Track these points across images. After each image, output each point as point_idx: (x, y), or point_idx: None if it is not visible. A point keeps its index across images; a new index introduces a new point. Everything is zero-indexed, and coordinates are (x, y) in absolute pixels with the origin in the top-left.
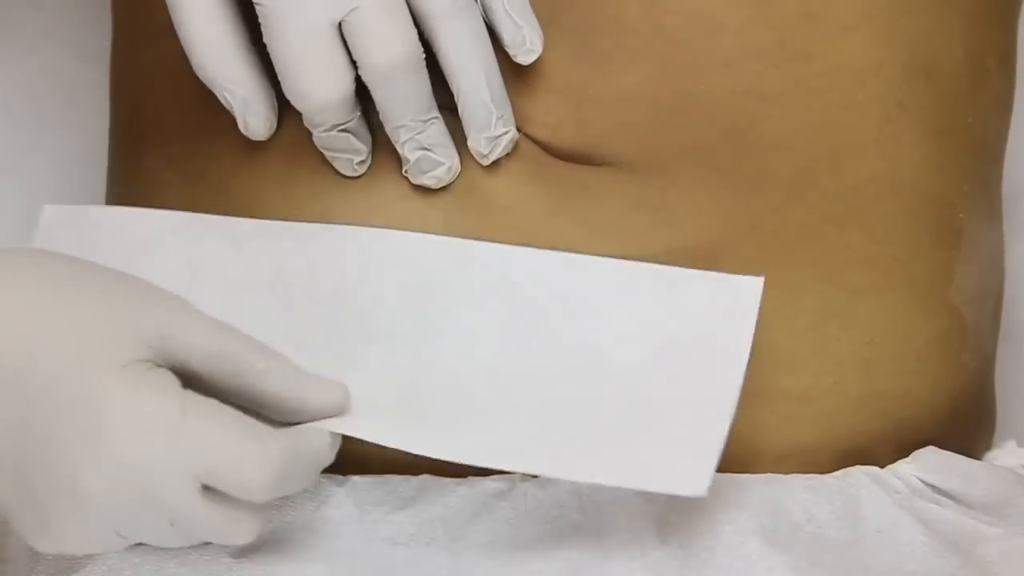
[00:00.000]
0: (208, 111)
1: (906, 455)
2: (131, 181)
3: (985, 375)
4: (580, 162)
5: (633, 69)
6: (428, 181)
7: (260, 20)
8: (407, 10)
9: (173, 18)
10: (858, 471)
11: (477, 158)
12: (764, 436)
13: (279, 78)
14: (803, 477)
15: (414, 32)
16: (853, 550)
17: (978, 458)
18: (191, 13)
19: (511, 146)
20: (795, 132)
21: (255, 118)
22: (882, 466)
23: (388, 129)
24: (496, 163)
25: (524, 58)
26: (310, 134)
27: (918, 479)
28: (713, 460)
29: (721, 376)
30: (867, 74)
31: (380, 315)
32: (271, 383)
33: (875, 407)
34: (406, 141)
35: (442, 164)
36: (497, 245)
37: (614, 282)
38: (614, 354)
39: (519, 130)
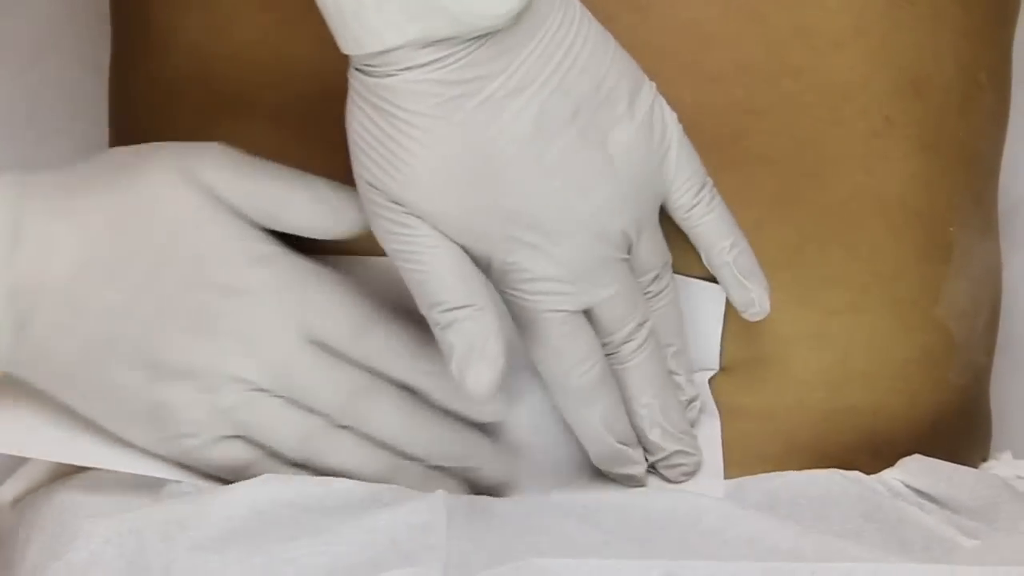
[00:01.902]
0: (204, 134)
1: (889, 465)
2: None
3: (976, 390)
4: None
5: None
6: None
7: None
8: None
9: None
10: (837, 473)
11: None
12: (724, 449)
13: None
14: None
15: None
16: (816, 535)
17: None
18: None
19: None
20: (781, 147)
21: (483, 363)
22: (866, 473)
23: None
24: None
25: (751, 317)
26: (308, 161)
27: (902, 483)
28: (719, 474)
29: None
30: (854, 89)
31: None
32: None
33: (843, 421)
34: None
35: None
36: None
37: None
38: None
39: None
